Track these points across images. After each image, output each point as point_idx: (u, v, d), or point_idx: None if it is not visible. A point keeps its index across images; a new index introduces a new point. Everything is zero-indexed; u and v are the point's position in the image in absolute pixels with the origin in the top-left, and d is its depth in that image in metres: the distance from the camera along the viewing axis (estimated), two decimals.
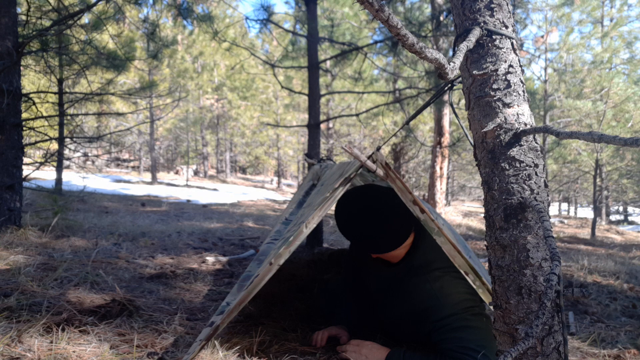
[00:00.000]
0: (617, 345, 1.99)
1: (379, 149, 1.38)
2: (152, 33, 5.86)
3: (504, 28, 1.02)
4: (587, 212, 23.12)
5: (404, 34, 0.79)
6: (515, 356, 0.79)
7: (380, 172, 1.37)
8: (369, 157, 1.36)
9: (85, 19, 6.71)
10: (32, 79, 9.07)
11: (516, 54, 1.04)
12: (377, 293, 1.74)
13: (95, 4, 4.47)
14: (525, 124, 1.01)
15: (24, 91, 4.14)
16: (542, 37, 12.58)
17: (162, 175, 22.71)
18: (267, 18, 4.97)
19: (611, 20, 14.63)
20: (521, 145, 1.00)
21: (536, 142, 1.02)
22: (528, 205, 0.96)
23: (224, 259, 3.54)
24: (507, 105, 1.01)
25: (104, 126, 16.36)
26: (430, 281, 1.60)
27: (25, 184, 4.14)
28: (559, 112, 12.31)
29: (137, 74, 15.00)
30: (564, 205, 26.52)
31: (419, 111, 1.38)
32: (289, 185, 26.47)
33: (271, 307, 2.19)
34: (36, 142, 4.65)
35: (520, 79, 1.03)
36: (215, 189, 17.06)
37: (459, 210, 14.78)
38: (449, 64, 0.88)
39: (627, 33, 14.96)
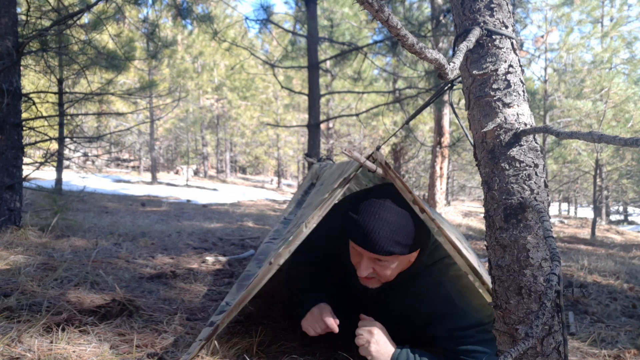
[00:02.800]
0: (617, 345, 1.99)
1: (378, 148, 1.37)
2: (152, 33, 5.87)
3: (503, 28, 1.02)
4: (587, 212, 23.10)
5: (403, 34, 0.79)
6: (515, 356, 0.79)
7: (379, 171, 1.37)
8: (368, 157, 1.36)
9: (85, 19, 6.70)
10: (32, 79, 9.07)
11: (516, 54, 1.04)
12: (377, 293, 1.69)
13: (95, 4, 4.47)
14: (525, 124, 1.01)
15: (24, 91, 4.14)
16: (542, 37, 12.56)
17: (162, 175, 22.71)
18: (267, 18, 4.98)
19: (611, 20, 14.62)
20: (521, 145, 1.00)
21: (536, 142, 1.02)
22: (528, 205, 0.96)
23: (224, 259, 3.54)
24: (507, 105, 1.01)
25: (104, 126, 16.35)
26: (444, 285, 1.47)
27: (25, 184, 4.14)
28: (559, 112, 12.30)
29: (137, 74, 15.00)
30: (564, 205, 26.52)
31: (419, 111, 1.38)
32: (289, 185, 26.47)
33: (271, 307, 2.19)
34: (36, 142, 4.65)
35: (520, 78, 1.03)
36: (215, 189, 17.06)
37: (459, 210, 14.77)
38: (449, 64, 0.88)
39: (627, 33, 14.96)
